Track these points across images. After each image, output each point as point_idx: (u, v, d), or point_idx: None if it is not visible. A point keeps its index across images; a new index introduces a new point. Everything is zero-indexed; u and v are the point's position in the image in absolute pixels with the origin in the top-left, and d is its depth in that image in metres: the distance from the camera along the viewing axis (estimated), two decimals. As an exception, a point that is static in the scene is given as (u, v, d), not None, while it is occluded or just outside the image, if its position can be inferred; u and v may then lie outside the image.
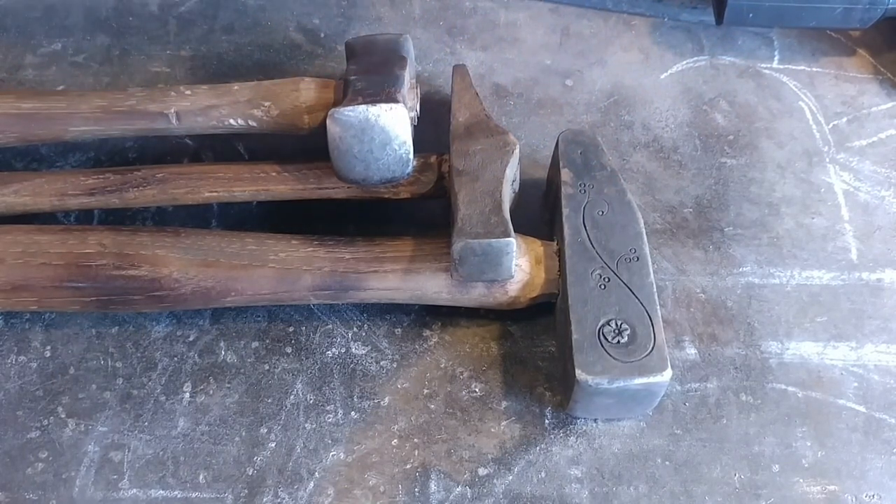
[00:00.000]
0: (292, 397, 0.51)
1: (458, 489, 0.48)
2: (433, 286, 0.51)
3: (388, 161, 0.50)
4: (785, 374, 0.53)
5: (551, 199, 0.57)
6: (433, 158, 0.55)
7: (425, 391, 0.52)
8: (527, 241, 0.52)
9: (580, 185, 0.53)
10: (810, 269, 0.57)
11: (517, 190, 0.54)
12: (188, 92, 0.54)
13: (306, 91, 0.53)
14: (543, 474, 0.49)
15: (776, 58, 0.69)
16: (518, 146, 0.53)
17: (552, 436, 0.50)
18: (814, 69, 0.68)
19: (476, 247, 0.47)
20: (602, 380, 0.46)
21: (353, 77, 0.52)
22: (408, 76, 0.53)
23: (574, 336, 0.47)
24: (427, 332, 0.54)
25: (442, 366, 0.53)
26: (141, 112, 0.53)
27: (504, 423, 0.51)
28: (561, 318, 0.50)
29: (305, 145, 0.55)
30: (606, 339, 0.47)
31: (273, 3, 0.72)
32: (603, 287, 0.49)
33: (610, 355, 0.46)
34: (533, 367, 0.53)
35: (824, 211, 0.60)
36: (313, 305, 0.55)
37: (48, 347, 0.53)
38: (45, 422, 0.50)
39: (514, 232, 0.48)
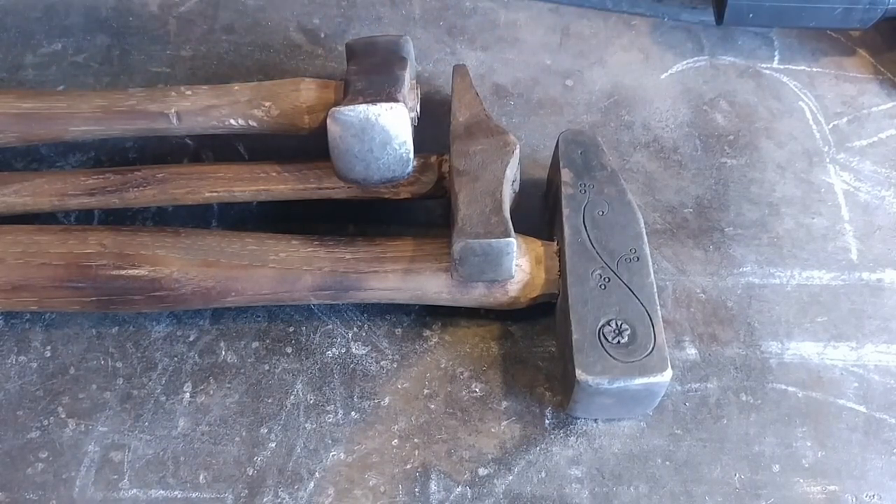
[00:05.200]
0: (292, 397, 0.51)
1: (459, 489, 0.48)
2: (433, 286, 0.51)
3: (388, 161, 0.50)
4: (785, 374, 0.53)
5: (551, 199, 0.57)
6: (433, 158, 0.55)
7: (425, 391, 0.52)
8: (527, 242, 0.52)
9: (580, 185, 0.53)
10: (810, 269, 0.57)
11: (517, 190, 0.54)
12: (188, 92, 0.54)
13: (306, 91, 0.53)
14: (543, 474, 0.49)
15: (776, 58, 0.69)
16: (518, 146, 0.53)
17: (552, 436, 0.50)
18: (814, 69, 0.68)
19: (476, 247, 0.47)
20: (602, 380, 0.46)
21: (353, 77, 0.52)
22: (408, 77, 0.53)
23: (574, 336, 0.47)
24: (427, 333, 0.54)
25: (442, 366, 0.53)
26: (141, 112, 0.53)
27: (504, 423, 0.51)
28: (561, 318, 0.50)
29: (305, 145, 0.55)
30: (607, 339, 0.47)
31: (273, 3, 0.72)
32: (603, 287, 0.49)
33: (610, 355, 0.46)
34: (533, 367, 0.53)
35: (824, 211, 0.60)
36: (313, 305, 0.55)
37: (48, 347, 0.53)
38: (46, 422, 0.50)
39: (515, 232, 0.48)
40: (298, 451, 0.49)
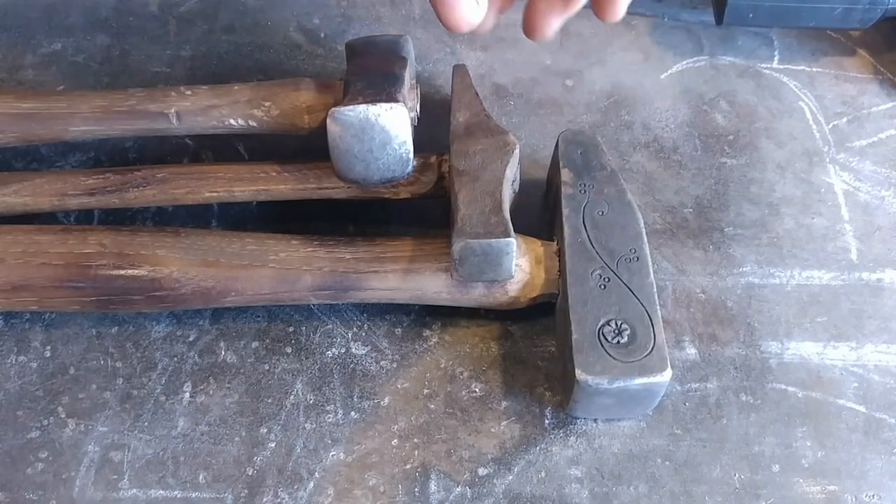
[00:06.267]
0: (292, 397, 0.51)
1: (458, 489, 0.48)
2: (433, 286, 0.51)
3: (388, 161, 0.50)
4: (785, 374, 0.53)
5: (551, 199, 0.57)
6: (433, 158, 0.55)
7: (425, 391, 0.52)
8: (527, 241, 0.52)
9: (580, 185, 0.53)
10: (810, 269, 0.57)
11: (517, 190, 0.54)
12: (188, 92, 0.54)
13: (306, 91, 0.53)
14: (543, 474, 0.49)
15: (776, 58, 0.69)
16: (518, 146, 0.53)
17: (552, 436, 0.50)
18: (814, 69, 0.68)
19: (476, 247, 0.47)
20: (602, 380, 0.46)
21: (353, 77, 0.52)
22: (408, 77, 0.53)
23: (574, 336, 0.47)
24: (427, 332, 0.54)
25: (442, 366, 0.53)
26: (141, 112, 0.53)
27: (504, 423, 0.51)
28: (561, 318, 0.50)
29: (305, 145, 0.55)
30: (606, 339, 0.47)
31: (273, 3, 0.72)
32: (603, 287, 0.49)
33: (610, 355, 0.46)
34: (533, 367, 0.53)
35: (824, 211, 0.60)
36: (313, 305, 0.55)
37: (48, 347, 0.53)
38: (45, 422, 0.50)
39: (514, 232, 0.48)
40: (298, 451, 0.49)
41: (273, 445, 0.50)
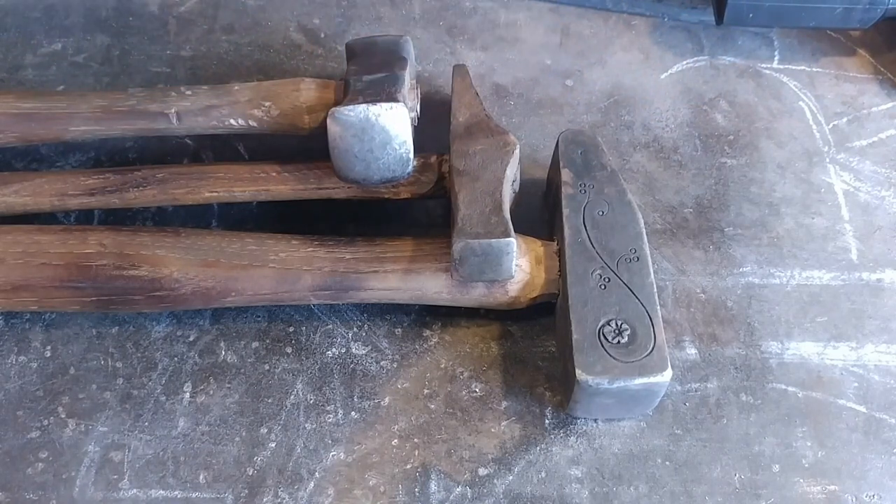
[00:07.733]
0: (292, 397, 0.51)
1: (459, 489, 0.48)
2: (433, 286, 0.51)
3: (388, 161, 0.50)
4: (785, 374, 0.53)
5: (551, 199, 0.57)
6: (433, 158, 0.55)
7: (425, 391, 0.52)
8: (527, 241, 0.52)
9: (580, 185, 0.53)
10: (810, 269, 0.57)
11: (517, 190, 0.54)
12: (188, 92, 0.54)
13: (306, 91, 0.53)
14: (543, 474, 0.49)
15: (776, 58, 0.69)
16: (518, 146, 0.53)
17: (552, 436, 0.50)
18: (814, 69, 0.68)
19: (476, 247, 0.47)
20: (602, 380, 0.46)
21: (353, 77, 0.52)
22: (408, 77, 0.53)
23: (574, 336, 0.47)
24: (427, 332, 0.54)
25: (442, 366, 0.53)
26: (141, 112, 0.53)
27: (504, 423, 0.51)
28: (561, 318, 0.50)
29: (305, 145, 0.55)
30: (606, 339, 0.47)
31: (273, 3, 0.72)
32: (603, 287, 0.49)
33: (610, 355, 0.46)
34: (533, 367, 0.53)
35: (824, 211, 0.60)
36: (313, 305, 0.55)
37: (48, 347, 0.53)
38: (46, 422, 0.50)
39: (514, 232, 0.48)
40: (298, 451, 0.49)
41: (273, 445, 0.50)
